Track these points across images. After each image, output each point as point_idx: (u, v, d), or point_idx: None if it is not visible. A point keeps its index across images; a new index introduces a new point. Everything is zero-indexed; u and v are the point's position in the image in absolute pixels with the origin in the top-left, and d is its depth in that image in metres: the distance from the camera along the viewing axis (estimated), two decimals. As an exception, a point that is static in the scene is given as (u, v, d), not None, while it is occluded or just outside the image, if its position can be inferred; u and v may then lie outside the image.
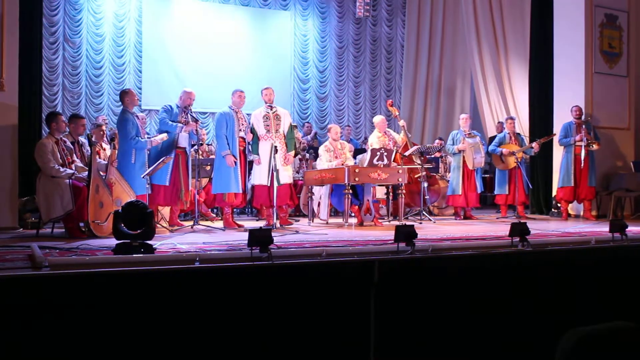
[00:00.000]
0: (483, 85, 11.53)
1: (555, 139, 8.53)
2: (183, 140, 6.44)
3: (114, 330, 2.92)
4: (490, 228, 6.55)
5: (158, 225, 5.80)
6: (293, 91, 12.51)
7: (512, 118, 8.84)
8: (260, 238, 3.59)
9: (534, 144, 8.34)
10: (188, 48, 11.44)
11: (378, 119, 8.20)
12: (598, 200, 8.56)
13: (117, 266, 3.25)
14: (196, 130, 6.40)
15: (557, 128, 8.63)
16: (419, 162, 8.01)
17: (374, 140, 7.94)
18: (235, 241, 4.73)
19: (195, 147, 6.61)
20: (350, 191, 6.87)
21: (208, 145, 8.84)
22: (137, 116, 6.38)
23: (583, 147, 8.02)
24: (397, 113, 8.55)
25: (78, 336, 2.85)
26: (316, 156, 8.98)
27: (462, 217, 8.29)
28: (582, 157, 8.05)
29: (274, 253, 3.60)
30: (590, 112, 8.55)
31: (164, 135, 6.35)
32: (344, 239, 5.09)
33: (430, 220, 7.75)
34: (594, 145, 8.08)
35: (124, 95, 6.22)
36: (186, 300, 3.11)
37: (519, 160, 8.28)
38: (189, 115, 6.46)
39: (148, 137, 6.34)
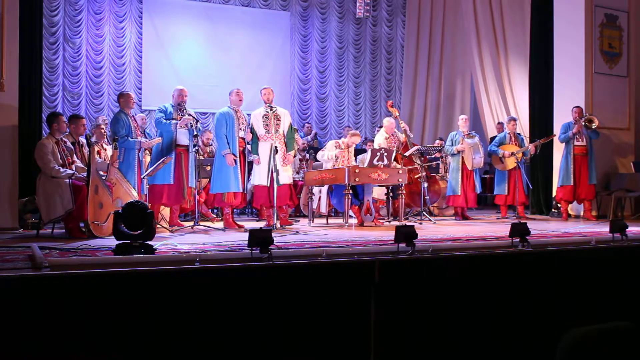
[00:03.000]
0: (483, 85, 11.53)
1: (555, 139, 8.53)
2: (183, 138, 6.46)
3: (114, 331, 2.92)
4: (491, 228, 6.55)
5: (158, 225, 5.80)
6: (293, 91, 12.52)
7: (513, 119, 8.82)
8: (260, 238, 3.59)
9: (530, 146, 8.33)
10: (188, 48, 11.45)
11: (387, 122, 8.19)
12: (598, 200, 8.56)
13: (117, 267, 3.25)
14: (193, 123, 6.38)
15: (557, 128, 8.63)
16: (419, 162, 8.02)
17: (381, 141, 7.96)
18: (235, 242, 4.73)
19: (196, 147, 6.61)
20: (351, 191, 6.88)
21: (209, 146, 8.84)
22: (133, 117, 6.41)
23: (584, 134, 8.05)
24: (397, 114, 8.56)
25: (78, 337, 2.85)
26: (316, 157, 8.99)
27: (462, 217, 8.30)
28: (585, 139, 8.09)
29: (274, 254, 3.60)
30: (590, 112, 8.54)
31: (158, 139, 6.39)
32: (344, 240, 5.08)
33: (431, 220, 7.76)
34: (594, 124, 8.03)
35: (120, 97, 6.56)
36: (186, 300, 3.11)
37: (518, 160, 8.28)
38: (184, 112, 6.47)
39: (144, 139, 6.36)
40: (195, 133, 6.29)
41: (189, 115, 6.39)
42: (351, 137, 7.77)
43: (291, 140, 6.79)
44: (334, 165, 7.45)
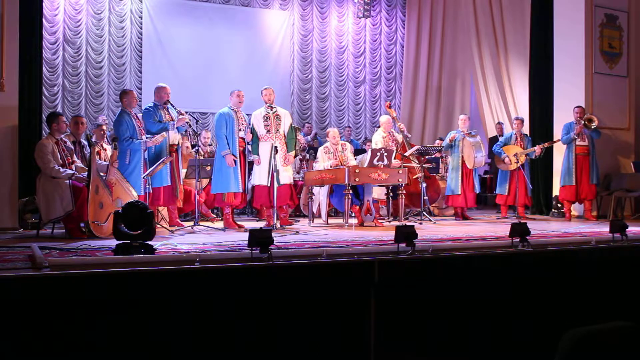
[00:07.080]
0: (483, 85, 11.53)
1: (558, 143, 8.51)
2: (173, 137, 6.45)
3: (114, 331, 2.92)
4: (491, 228, 6.55)
5: (158, 225, 5.80)
6: (293, 91, 12.51)
7: (519, 118, 8.77)
8: (260, 238, 3.59)
9: (536, 148, 8.30)
10: (188, 48, 11.44)
11: (384, 118, 8.19)
12: (598, 200, 8.55)
13: (117, 267, 3.25)
14: (190, 122, 6.37)
15: (557, 128, 8.62)
16: (416, 162, 8.02)
17: (379, 139, 7.94)
18: (235, 242, 4.73)
19: (196, 147, 6.61)
20: (351, 191, 6.88)
21: (209, 145, 8.84)
22: (136, 116, 6.36)
23: (586, 134, 8.03)
24: (395, 115, 8.56)
25: (78, 336, 2.85)
26: (316, 157, 8.97)
27: (462, 217, 8.29)
28: (586, 138, 8.08)
29: (274, 253, 3.60)
30: (590, 112, 8.54)
31: (163, 134, 6.34)
32: (344, 240, 5.09)
33: (431, 220, 7.75)
34: (594, 123, 8.01)
35: (123, 95, 6.38)
36: (186, 300, 3.11)
37: (520, 162, 8.27)
38: (171, 110, 6.45)
39: (148, 138, 6.34)
40: (198, 132, 6.28)
41: (180, 113, 6.38)
42: (329, 136, 7.74)
43: (291, 140, 6.79)
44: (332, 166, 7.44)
